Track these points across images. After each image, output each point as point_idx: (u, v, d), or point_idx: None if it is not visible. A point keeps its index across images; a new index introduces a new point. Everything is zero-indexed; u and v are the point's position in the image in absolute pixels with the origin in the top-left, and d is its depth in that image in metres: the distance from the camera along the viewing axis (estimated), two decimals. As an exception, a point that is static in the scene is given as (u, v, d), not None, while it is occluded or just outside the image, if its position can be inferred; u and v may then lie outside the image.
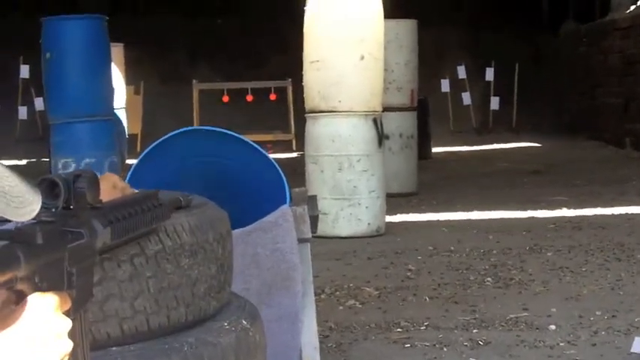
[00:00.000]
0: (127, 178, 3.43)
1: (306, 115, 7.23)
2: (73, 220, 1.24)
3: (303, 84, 7.25)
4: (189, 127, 3.63)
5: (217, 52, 17.96)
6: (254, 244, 3.18)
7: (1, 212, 1.06)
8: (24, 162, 14.39)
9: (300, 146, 12.99)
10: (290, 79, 14.82)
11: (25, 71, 14.95)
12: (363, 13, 6.96)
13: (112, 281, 1.60)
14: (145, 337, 1.67)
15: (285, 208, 3.25)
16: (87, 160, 7.74)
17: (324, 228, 6.55)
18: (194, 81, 15.53)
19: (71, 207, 1.24)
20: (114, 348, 1.63)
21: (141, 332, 1.66)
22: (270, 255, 3.20)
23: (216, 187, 3.54)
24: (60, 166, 7.79)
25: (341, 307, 4.94)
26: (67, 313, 1.16)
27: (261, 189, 3.50)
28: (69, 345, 1.14)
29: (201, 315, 1.76)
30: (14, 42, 15.31)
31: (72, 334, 1.16)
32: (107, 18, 7.98)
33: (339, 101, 6.96)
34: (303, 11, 7.28)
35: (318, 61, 6.99)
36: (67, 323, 1.15)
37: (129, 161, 12.11)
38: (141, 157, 3.49)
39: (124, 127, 12.09)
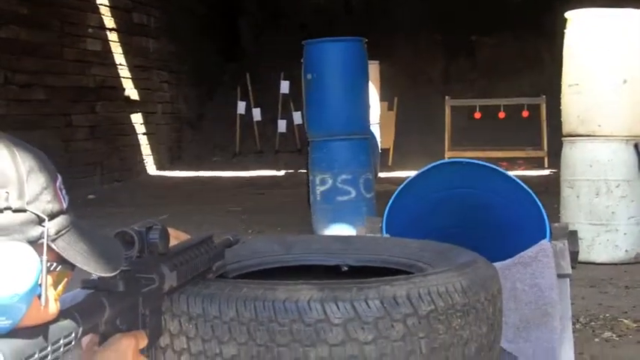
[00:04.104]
0: (387, 208, 3.51)
1: (562, 138, 7.09)
2: (145, 266, 1.39)
3: (560, 107, 7.13)
4: (449, 160, 3.66)
5: (470, 69, 17.93)
6: (513, 278, 3.15)
7: (92, 269, 1.21)
8: (282, 173, 14.93)
9: (553, 164, 12.76)
10: (544, 96, 14.58)
11: (285, 87, 15.56)
12: (626, 35, 6.75)
13: (385, 341, 1.65)
14: (417, 395, 1.71)
15: (545, 243, 3.21)
16: (343, 177, 7.91)
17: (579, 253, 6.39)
18: (446, 97, 15.57)
19: (143, 255, 1.39)
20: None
21: (416, 391, 1.70)
22: (528, 290, 3.16)
23: (474, 218, 3.56)
24: (317, 181, 8.00)
25: (597, 340, 4.78)
26: (142, 351, 1.31)
27: (519, 222, 3.48)
28: None
29: (471, 376, 1.78)
30: (277, 59, 15.95)
31: None
32: (366, 40, 8.13)
33: (599, 125, 6.78)
34: (557, 28, 7.15)
35: (577, 84, 6.84)
36: None
37: (381, 175, 12.32)
38: (400, 188, 3.55)
39: (377, 143, 12.28)
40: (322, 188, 7.96)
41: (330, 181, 7.92)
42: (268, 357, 1.63)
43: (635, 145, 6.82)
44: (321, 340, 1.62)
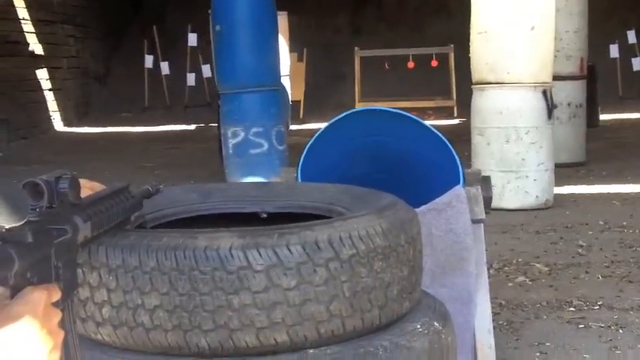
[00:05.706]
0: (301, 158, 3.49)
1: (472, 86, 7.14)
2: (56, 217, 1.35)
3: (469, 55, 7.17)
4: (363, 108, 3.64)
5: (379, 19, 17.92)
6: (428, 224, 3.15)
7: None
8: (192, 127, 14.80)
9: (462, 113, 12.89)
10: (452, 45, 14.69)
11: (193, 39, 15.34)
12: (534, -18, 6.81)
13: (308, 286, 1.65)
14: (340, 339, 1.71)
15: (458, 189, 3.22)
16: (254, 130, 7.87)
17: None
18: (356, 48, 15.57)
19: (54, 206, 1.35)
20: (311, 350, 1.69)
21: (337, 335, 1.70)
22: (443, 236, 3.18)
23: (388, 166, 3.56)
24: (229, 134, 7.95)
25: (510, 284, 4.86)
26: (56, 304, 1.27)
27: (433, 169, 3.49)
28: (61, 333, 1.25)
29: (393, 317, 1.79)
30: (185, 10, 15.70)
31: (61, 323, 1.27)
32: (274, -11, 8.06)
33: (508, 73, 6.84)
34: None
35: (486, 32, 6.88)
36: (58, 313, 1.26)
37: (292, 127, 12.29)
38: (315, 137, 3.53)
39: (287, 95, 12.25)
40: (234, 141, 7.91)
41: (242, 134, 7.88)
42: (191, 306, 1.61)
43: (544, 92, 6.92)
44: (244, 287, 1.61)
